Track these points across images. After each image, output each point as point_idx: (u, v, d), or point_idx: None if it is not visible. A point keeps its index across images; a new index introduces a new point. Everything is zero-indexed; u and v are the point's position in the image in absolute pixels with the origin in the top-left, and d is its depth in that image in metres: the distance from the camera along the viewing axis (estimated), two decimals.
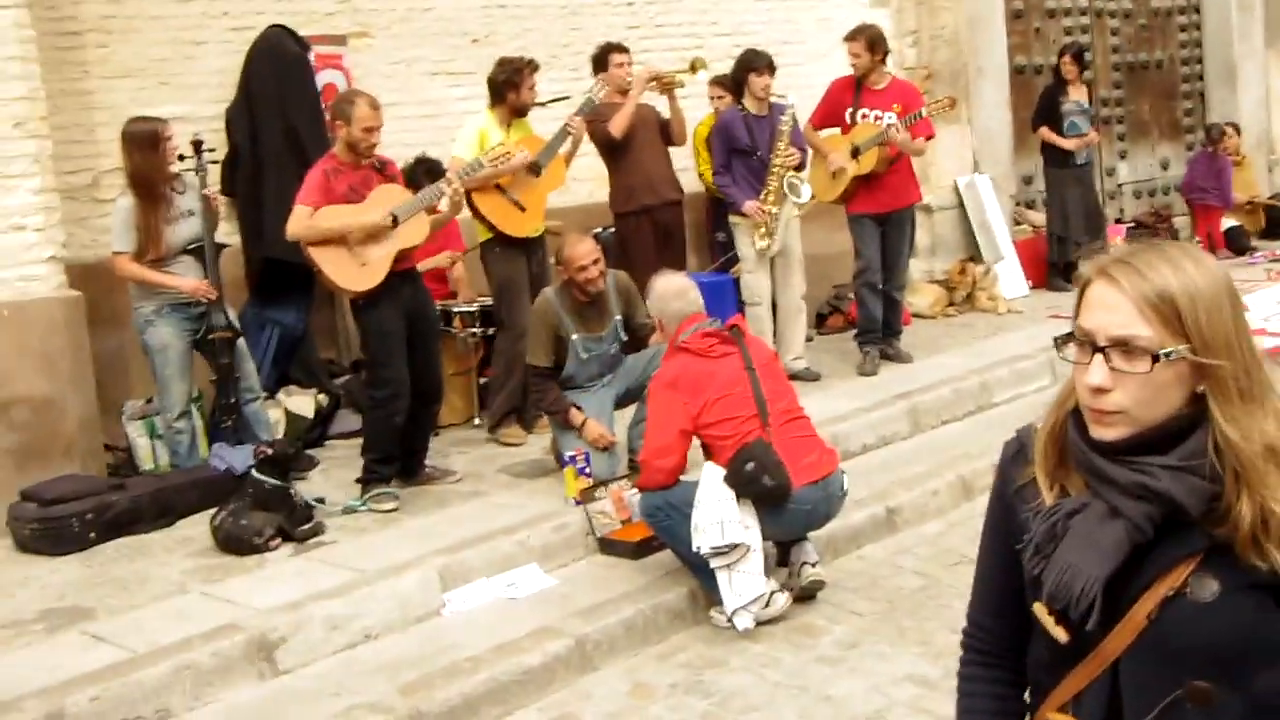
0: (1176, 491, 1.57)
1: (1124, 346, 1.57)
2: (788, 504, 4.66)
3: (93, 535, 5.40)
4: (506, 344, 6.59)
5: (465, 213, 6.36)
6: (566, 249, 5.74)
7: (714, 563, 4.59)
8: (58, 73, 6.32)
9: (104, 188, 6.68)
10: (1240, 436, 1.56)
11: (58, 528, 5.35)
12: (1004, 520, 1.80)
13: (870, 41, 7.51)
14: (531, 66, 6.62)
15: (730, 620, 4.63)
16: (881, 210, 7.63)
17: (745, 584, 4.61)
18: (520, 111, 6.62)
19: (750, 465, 4.57)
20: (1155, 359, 1.56)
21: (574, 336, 5.79)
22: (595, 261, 5.71)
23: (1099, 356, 1.58)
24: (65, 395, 5.80)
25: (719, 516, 4.54)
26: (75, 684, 4.00)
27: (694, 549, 4.60)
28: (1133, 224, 11.45)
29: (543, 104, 6.81)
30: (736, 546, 4.56)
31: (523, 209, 6.50)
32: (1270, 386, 1.60)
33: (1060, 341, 1.67)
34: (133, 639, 4.35)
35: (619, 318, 5.93)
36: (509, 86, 6.53)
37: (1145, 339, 1.56)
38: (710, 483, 4.63)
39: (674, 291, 5.08)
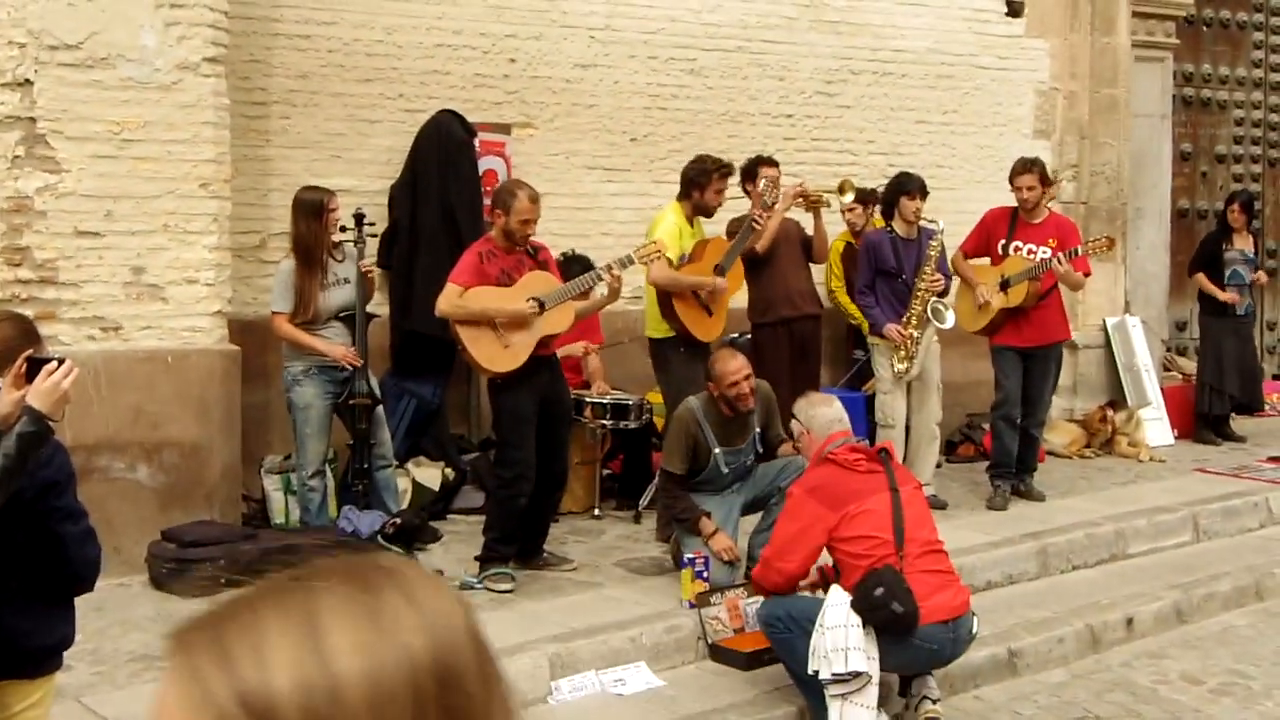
0: None
1: None
2: (913, 639, 4.53)
3: (223, 581, 5.54)
4: None
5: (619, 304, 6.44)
6: (718, 365, 5.72)
7: (831, 689, 4.48)
8: (242, 139, 6.67)
9: (270, 250, 6.99)
10: None
11: (192, 570, 5.54)
12: None
13: (1043, 175, 7.47)
14: (723, 170, 6.57)
15: None
16: (1027, 344, 7.52)
17: (857, 716, 4.48)
18: (703, 211, 6.61)
19: (880, 590, 4.46)
20: None
21: (716, 450, 5.77)
22: (746, 378, 5.68)
23: None
24: (214, 443, 6.03)
25: (844, 643, 4.43)
26: None
27: (811, 672, 4.50)
28: None
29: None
30: (858, 675, 4.45)
31: (710, 313, 6.53)
32: None
33: None
34: None
35: (758, 430, 5.92)
36: (695, 185, 6.55)
37: None
38: (837, 607, 4.52)
39: (822, 400, 5.13)
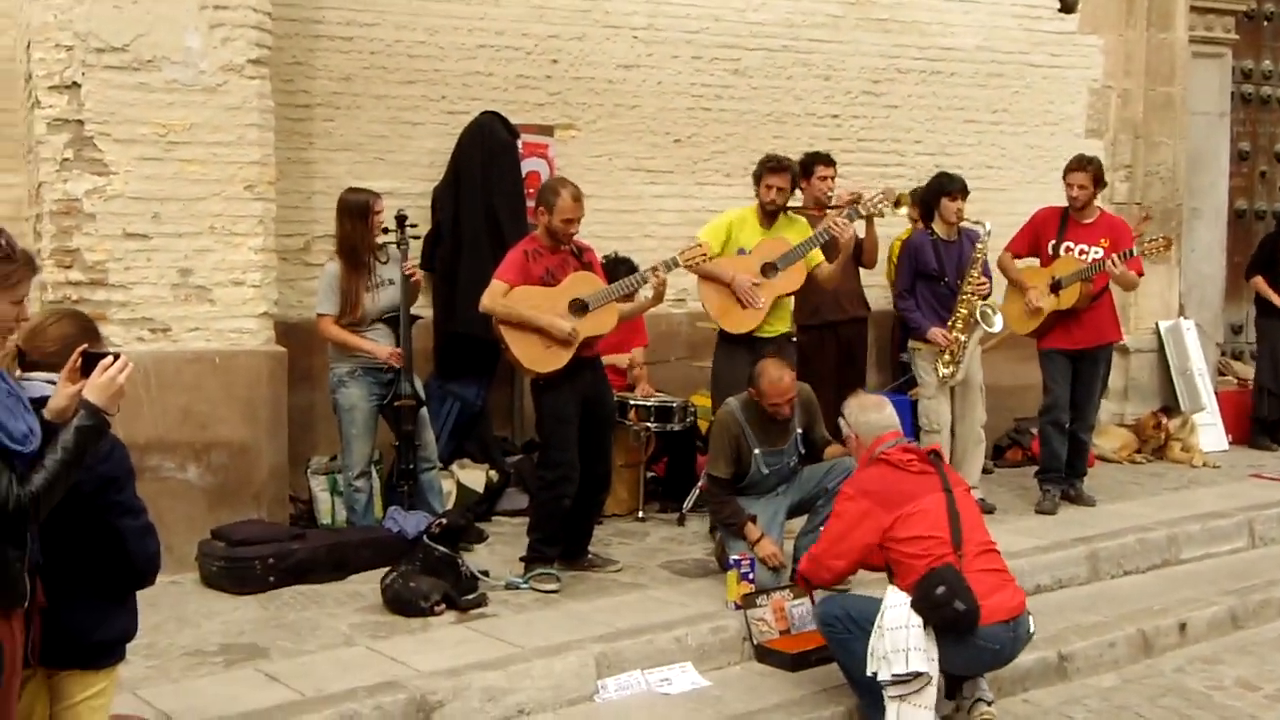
0: None
1: None
2: (974, 638, 4.47)
3: (272, 579, 5.63)
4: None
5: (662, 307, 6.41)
6: (764, 378, 5.66)
7: (890, 691, 4.42)
8: (286, 142, 6.71)
9: (314, 252, 7.03)
10: None
11: (241, 568, 5.60)
12: None
13: (1097, 175, 7.35)
14: (771, 165, 6.45)
15: None
16: (1076, 347, 7.40)
17: (915, 717, 4.41)
18: (765, 210, 6.53)
19: (941, 589, 4.40)
20: None
21: (756, 451, 5.74)
22: (789, 400, 5.64)
23: None
24: (261, 444, 6.06)
25: (904, 644, 4.37)
26: (249, 718, 4.14)
27: (869, 674, 4.44)
28: None
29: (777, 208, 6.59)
30: (918, 676, 4.38)
31: (744, 305, 6.46)
32: None
33: None
34: (301, 682, 4.48)
35: (800, 431, 5.87)
36: (755, 181, 6.53)
37: None
38: (897, 609, 4.46)
39: (873, 403, 5.05)
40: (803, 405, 5.85)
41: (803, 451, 5.88)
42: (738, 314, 6.45)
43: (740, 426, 5.73)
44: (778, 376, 5.64)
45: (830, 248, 6.59)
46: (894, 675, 4.38)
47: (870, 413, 4.97)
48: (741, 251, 6.46)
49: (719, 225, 6.54)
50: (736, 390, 6.31)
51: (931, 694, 4.45)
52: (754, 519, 5.68)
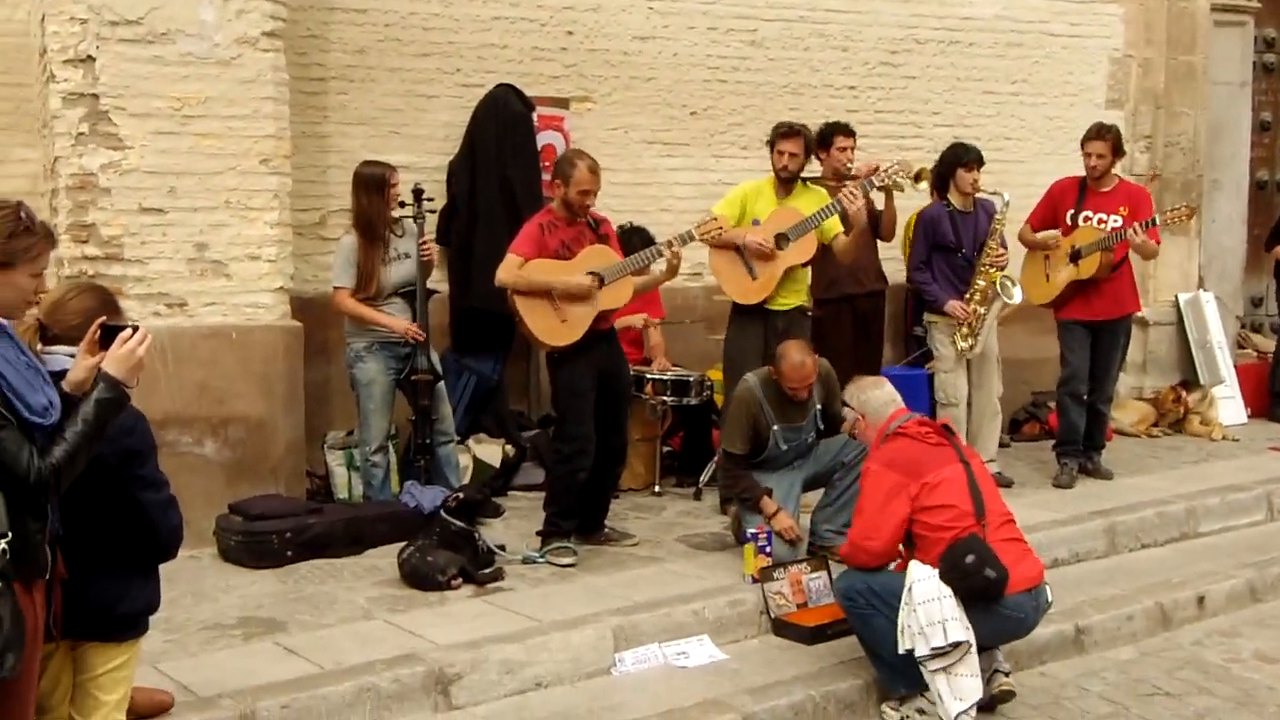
0: None
1: None
2: (1000, 608, 4.45)
3: (289, 553, 5.65)
4: (724, 417, 6.45)
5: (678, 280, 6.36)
6: (786, 361, 5.59)
7: (931, 665, 4.39)
8: (301, 116, 6.68)
9: (330, 227, 7.02)
10: None
11: (259, 542, 5.62)
12: None
13: (1115, 143, 7.26)
14: (782, 130, 6.42)
15: None
16: (1095, 318, 7.34)
17: (967, 686, 4.38)
18: (780, 177, 6.46)
19: (971, 558, 4.38)
20: None
21: (775, 427, 5.71)
22: (808, 386, 5.60)
23: None
24: (278, 419, 6.07)
25: (939, 616, 4.34)
26: (268, 690, 4.16)
27: (903, 651, 4.42)
28: None
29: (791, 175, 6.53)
30: (959, 645, 4.36)
31: (754, 277, 6.39)
32: None
33: None
34: (320, 655, 4.51)
35: (819, 407, 5.84)
36: (769, 149, 6.49)
37: None
38: (925, 582, 4.43)
39: (870, 382, 5.05)
40: (821, 381, 5.82)
41: (821, 428, 5.86)
42: (747, 284, 6.40)
43: (759, 404, 5.71)
44: (799, 361, 5.58)
45: (841, 220, 6.54)
46: (934, 649, 4.35)
47: (871, 390, 4.96)
48: (756, 223, 6.41)
49: (733, 198, 6.50)
50: (748, 364, 6.30)
51: (974, 660, 4.42)
52: (769, 493, 5.67)
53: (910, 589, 4.43)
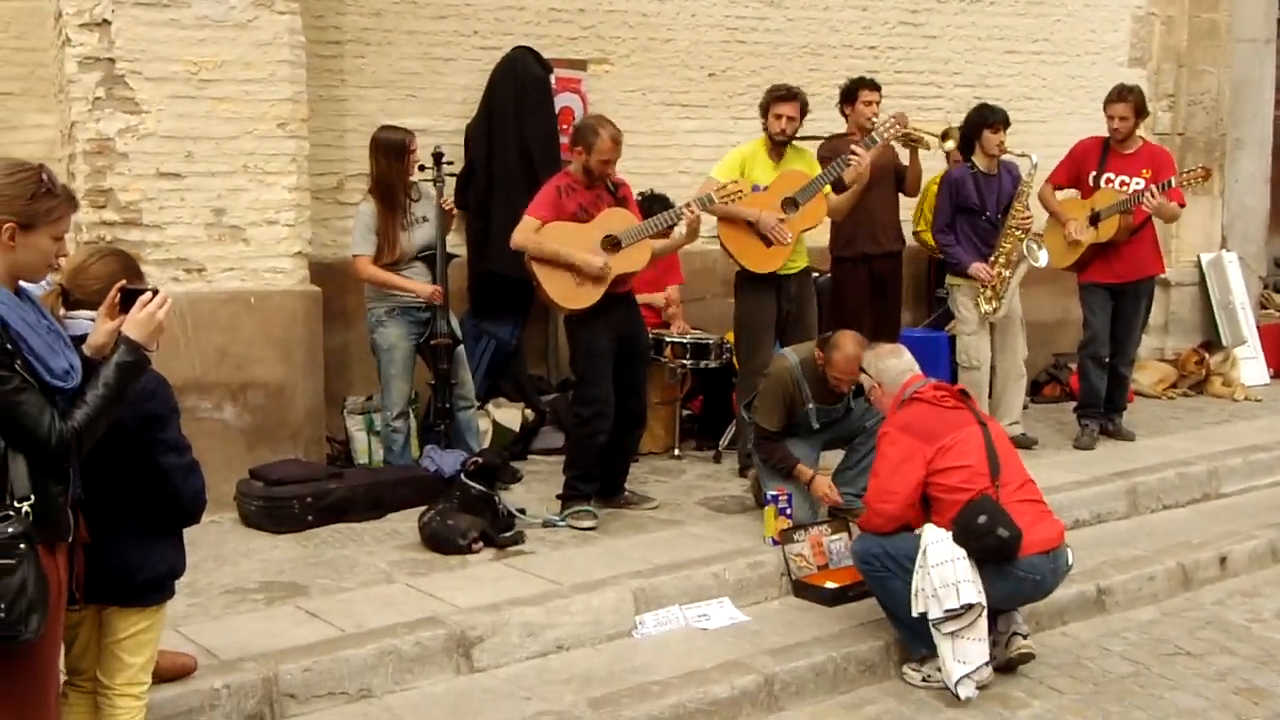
0: None
1: None
2: (1015, 570, 4.46)
3: (310, 518, 5.66)
4: (743, 382, 6.44)
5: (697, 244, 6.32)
6: (839, 352, 5.41)
7: (943, 628, 4.42)
8: (317, 79, 6.65)
9: (347, 191, 7.00)
10: None
11: (280, 507, 5.63)
12: None
13: (1138, 105, 7.16)
14: (779, 93, 6.34)
15: (954, 688, 4.44)
16: (1117, 280, 7.29)
17: (971, 651, 4.41)
18: (774, 140, 6.38)
19: (983, 518, 4.38)
20: None
21: (810, 406, 5.65)
22: (853, 381, 5.40)
23: None
24: (297, 384, 6.08)
25: (952, 578, 4.35)
26: (290, 654, 4.19)
27: (916, 614, 4.44)
28: None
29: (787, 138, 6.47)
30: (970, 608, 4.38)
31: (767, 244, 6.34)
32: None
33: None
34: (342, 619, 4.53)
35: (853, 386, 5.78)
36: (762, 112, 6.41)
37: None
38: (939, 544, 4.44)
39: (890, 350, 5.02)
40: None
41: (852, 406, 5.80)
42: (762, 253, 6.34)
43: (796, 383, 5.61)
44: (854, 354, 5.36)
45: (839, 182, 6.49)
46: (946, 611, 4.36)
47: (889, 359, 4.93)
48: (756, 188, 6.32)
49: (731, 162, 6.40)
50: (764, 333, 6.30)
51: (983, 625, 4.45)
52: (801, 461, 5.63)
53: (924, 551, 4.44)
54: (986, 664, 4.50)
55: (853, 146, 6.41)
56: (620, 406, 5.78)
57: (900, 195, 7.45)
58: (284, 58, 5.99)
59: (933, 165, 7.71)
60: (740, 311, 6.53)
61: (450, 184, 6.67)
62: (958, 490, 4.49)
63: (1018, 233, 7.02)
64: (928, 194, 7.93)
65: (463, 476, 5.53)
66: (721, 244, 6.42)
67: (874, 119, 7.09)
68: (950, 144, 7.28)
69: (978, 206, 7.10)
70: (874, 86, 7.20)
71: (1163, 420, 8.12)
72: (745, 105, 8.07)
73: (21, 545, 2.72)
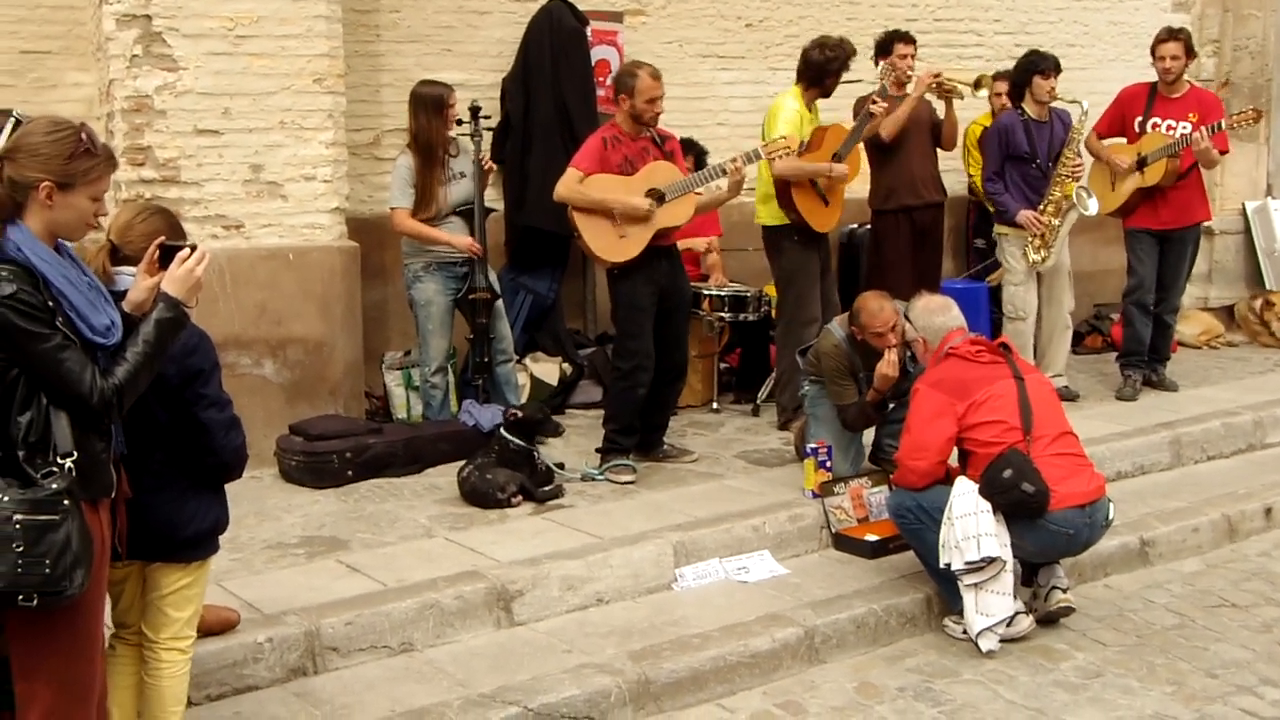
0: None
1: None
2: (1046, 523, 4.42)
3: (350, 473, 5.70)
4: (790, 336, 6.40)
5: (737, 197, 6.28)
6: (865, 313, 5.34)
7: (965, 580, 4.42)
8: (353, 34, 6.63)
9: (384, 147, 6.98)
10: None
11: (320, 463, 5.67)
12: None
13: (1188, 45, 7.04)
14: (854, 55, 6.43)
15: (975, 640, 4.45)
16: (1163, 227, 7.18)
17: (993, 604, 4.42)
18: (823, 94, 6.46)
19: (1008, 472, 4.37)
20: None
21: (863, 374, 5.55)
22: (893, 328, 5.29)
23: None
24: (336, 339, 6.10)
25: (974, 530, 4.35)
26: (331, 608, 4.23)
27: (943, 565, 4.45)
28: None
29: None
30: (993, 561, 4.37)
31: (827, 203, 6.36)
32: None
33: None
34: (382, 573, 4.56)
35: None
36: (829, 74, 6.34)
37: None
38: (964, 497, 4.44)
39: (938, 306, 4.93)
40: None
41: (910, 370, 5.71)
42: (824, 213, 6.40)
43: (848, 355, 5.51)
44: (877, 308, 5.32)
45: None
46: (967, 562, 4.36)
47: (937, 316, 4.87)
48: (803, 144, 6.29)
49: (793, 119, 6.32)
50: (809, 286, 6.36)
51: (1008, 580, 4.43)
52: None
53: (951, 503, 4.44)
54: (1017, 615, 4.49)
55: (874, 99, 6.49)
56: (661, 359, 5.77)
57: (938, 148, 7.35)
58: (320, 13, 5.97)
59: (966, 115, 7.59)
60: (789, 267, 6.48)
61: (487, 138, 6.64)
62: (990, 444, 4.48)
63: (1068, 181, 6.90)
64: (971, 136, 7.83)
65: (501, 430, 5.54)
66: (785, 202, 6.33)
67: (910, 72, 7.00)
68: (984, 91, 7.18)
69: (1028, 154, 6.98)
70: (909, 39, 7.11)
71: (1206, 370, 8.03)
72: (783, 55, 7.97)
73: (65, 501, 2.74)
